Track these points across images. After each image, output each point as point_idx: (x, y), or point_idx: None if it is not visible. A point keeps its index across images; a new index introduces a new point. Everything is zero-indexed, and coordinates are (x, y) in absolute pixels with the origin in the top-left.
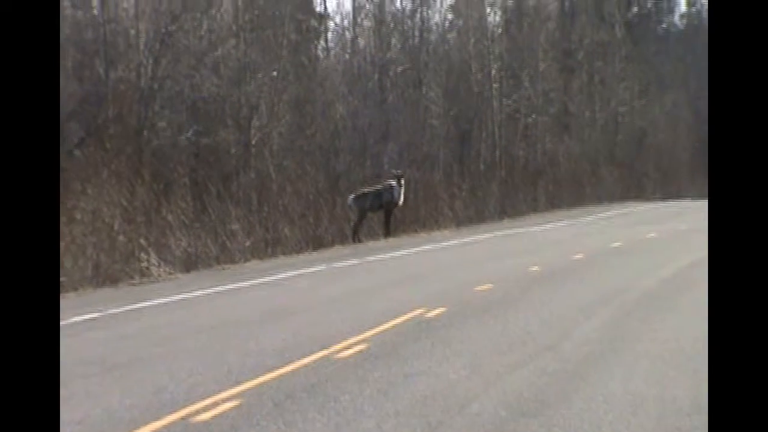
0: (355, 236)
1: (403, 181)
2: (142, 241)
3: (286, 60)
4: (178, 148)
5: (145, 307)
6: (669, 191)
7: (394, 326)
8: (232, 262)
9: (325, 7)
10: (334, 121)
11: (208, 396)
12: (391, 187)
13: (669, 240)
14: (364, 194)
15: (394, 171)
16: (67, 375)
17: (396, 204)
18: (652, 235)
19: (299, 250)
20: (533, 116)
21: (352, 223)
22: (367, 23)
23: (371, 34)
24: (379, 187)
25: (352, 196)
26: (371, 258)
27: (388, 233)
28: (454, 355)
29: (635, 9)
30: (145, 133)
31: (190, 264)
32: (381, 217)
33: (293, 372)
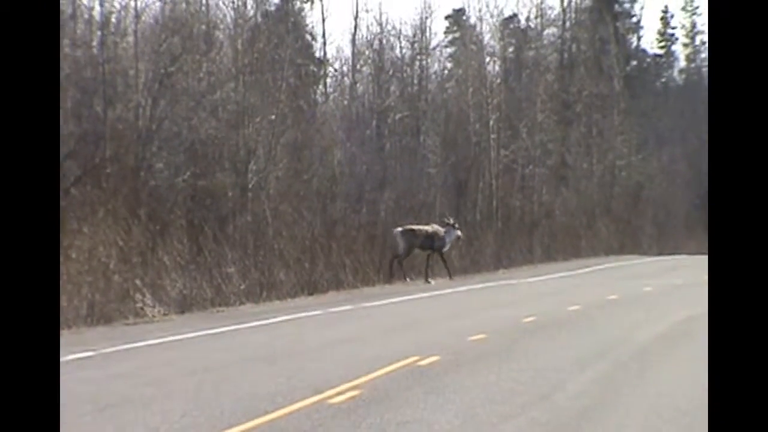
0: (392, 269)
1: (458, 231)
2: (137, 281)
3: (285, 104)
4: (174, 190)
5: (138, 347)
6: (665, 246)
7: (387, 373)
8: (227, 304)
9: (325, 53)
10: (332, 167)
11: None
12: (445, 233)
13: (665, 294)
14: (413, 231)
15: (446, 218)
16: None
17: (444, 249)
18: (648, 288)
19: (294, 295)
20: (530, 167)
21: (393, 258)
22: (366, 70)
23: (370, 81)
24: (428, 228)
25: (399, 230)
26: (366, 304)
27: (449, 273)
28: (447, 404)
29: (634, 63)
30: (142, 173)
31: (185, 305)
32: (381, 262)
33: (286, 417)
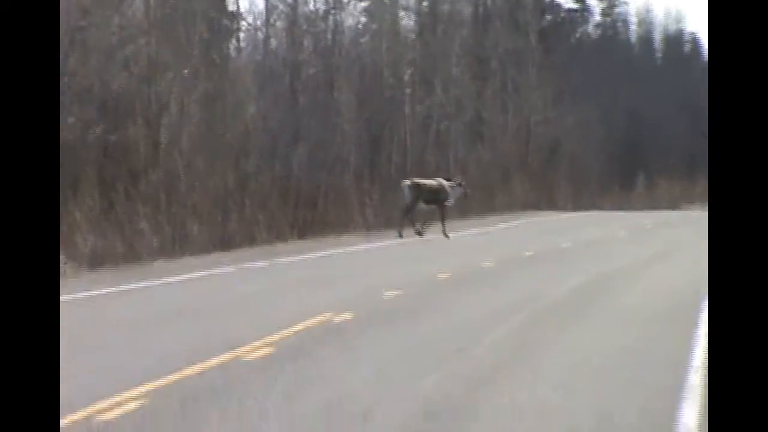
0: (402, 225)
1: (465, 188)
2: None
3: (197, 59)
4: (86, 145)
5: None
6: (580, 203)
7: (301, 330)
8: (140, 260)
9: (238, 6)
10: (245, 122)
11: (111, 396)
12: (450, 188)
13: (581, 250)
14: (419, 185)
15: (456, 178)
16: None
17: (448, 204)
18: (565, 245)
19: (207, 251)
20: (445, 123)
21: (401, 210)
22: (279, 24)
23: (283, 35)
24: (434, 183)
25: (407, 182)
26: (280, 260)
27: (445, 230)
28: (361, 361)
29: (549, 17)
30: None
31: (96, 262)
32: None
33: (200, 374)
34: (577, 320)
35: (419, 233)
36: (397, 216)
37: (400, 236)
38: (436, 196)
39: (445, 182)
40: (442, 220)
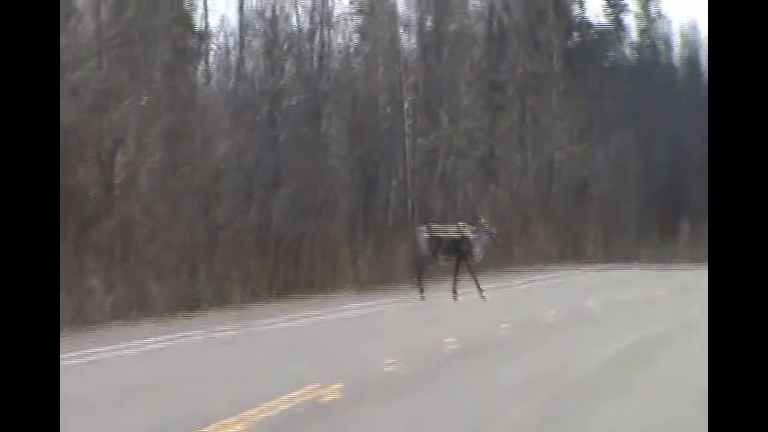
0: (419, 278)
1: (493, 233)
2: None
3: (159, 85)
4: None
5: None
6: (613, 254)
7: (281, 407)
8: (90, 325)
9: (207, 24)
10: (215, 160)
11: None
12: (473, 238)
13: (613, 312)
14: (438, 236)
15: (482, 220)
16: None
17: (474, 258)
18: (593, 305)
19: (171, 313)
20: (453, 160)
21: (417, 264)
22: (256, 44)
23: (261, 58)
24: (454, 233)
25: (424, 231)
26: (257, 324)
27: (479, 289)
28: None
29: (576, 36)
30: None
31: None
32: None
33: None
34: (609, 399)
35: (420, 291)
36: (393, 273)
37: (421, 296)
38: (457, 247)
39: (467, 229)
40: (473, 275)
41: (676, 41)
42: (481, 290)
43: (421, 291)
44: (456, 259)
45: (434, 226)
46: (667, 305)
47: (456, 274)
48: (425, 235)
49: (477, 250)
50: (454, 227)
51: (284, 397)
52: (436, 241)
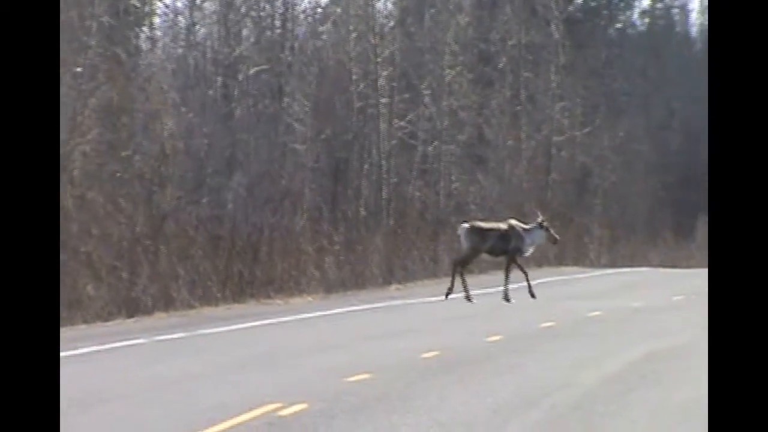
0: (453, 281)
1: (550, 230)
2: None
3: (95, 52)
4: None
5: None
6: (619, 255)
7: (236, 426)
8: None
9: None
10: (161, 141)
11: None
12: (525, 231)
13: (618, 322)
14: (482, 230)
15: (540, 217)
16: None
17: (522, 254)
18: (596, 313)
19: (108, 317)
20: (435, 144)
21: (453, 262)
22: (209, 6)
23: (214, 22)
24: (503, 226)
25: (466, 226)
26: (206, 330)
27: (506, 290)
28: None
29: (579, 1)
30: None
31: None
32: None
33: None
34: (613, 420)
35: (468, 298)
36: (365, 274)
37: (447, 295)
38: (505, 245)
39: (518, 224)
40: (525, 275)
41: (694, 7)
42: (532, 293)
43: (450, 290)
44: (504, 254)
45: (476, 222)
46: (684, 312)
47: (522, 271)
48: (466, 226)
49: (527, 246)
50: (503, 224)
51: (240, 418)
52: (479, 235)
